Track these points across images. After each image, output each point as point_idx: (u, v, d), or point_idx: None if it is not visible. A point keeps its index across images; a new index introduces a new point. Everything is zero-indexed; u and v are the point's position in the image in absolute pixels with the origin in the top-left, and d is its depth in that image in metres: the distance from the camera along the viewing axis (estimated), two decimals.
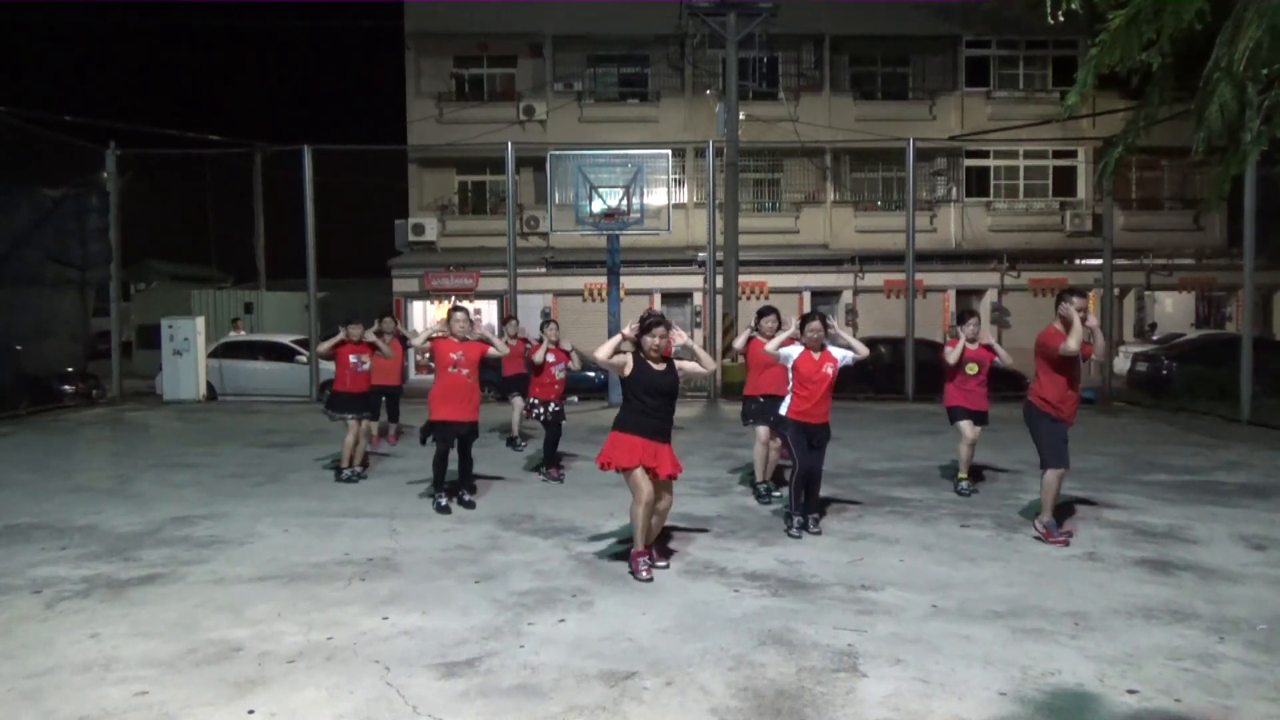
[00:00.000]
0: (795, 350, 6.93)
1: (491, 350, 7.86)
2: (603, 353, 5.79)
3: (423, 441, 7.74)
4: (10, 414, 14.20)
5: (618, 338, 5.90)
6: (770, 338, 7.88)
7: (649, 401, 5.75)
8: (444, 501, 7.57)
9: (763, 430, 7.95)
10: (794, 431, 6.82)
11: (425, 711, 3.82)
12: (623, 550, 6.12)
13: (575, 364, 9.69)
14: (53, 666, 4.31)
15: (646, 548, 5.78)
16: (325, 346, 9.31)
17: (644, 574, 5.62)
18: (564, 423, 9.46)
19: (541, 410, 9.24)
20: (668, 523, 6.32)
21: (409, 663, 4.33)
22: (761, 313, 8.12)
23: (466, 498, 7.79)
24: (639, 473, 5.66)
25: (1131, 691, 4.00)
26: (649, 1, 23.37)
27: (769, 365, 7.73)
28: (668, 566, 5.89)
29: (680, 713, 3.81)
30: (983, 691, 4.00)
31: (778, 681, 4.10)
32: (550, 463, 9.16)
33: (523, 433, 11.12)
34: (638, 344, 5.83)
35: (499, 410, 12.31)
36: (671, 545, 6.37)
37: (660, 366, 5.86)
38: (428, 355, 7.76)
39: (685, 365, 6.05)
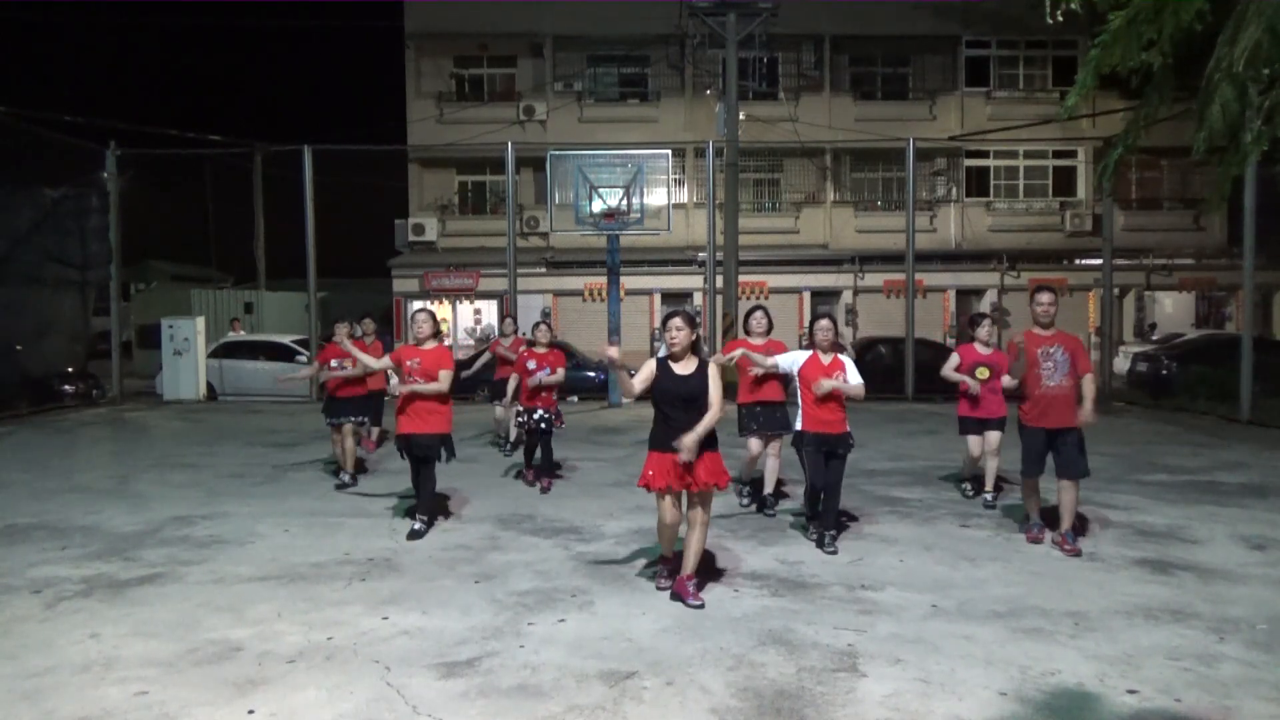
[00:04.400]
0: (801, 355, 6.52)
1: (447, 373, 6.77)
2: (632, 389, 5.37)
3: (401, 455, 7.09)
4: (10, 414, 14.20)
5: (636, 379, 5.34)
6: (760, 334, 7.54)
7: (666, 411, 5.18)
8: (417, 526, 6.74)
9: (754, 443, 7.54)
10: (812, 447, 6.38)
11: (425, 711, 3.82)
12: (628, 555, 6.11)
13: (554, 377, 8.58)
14: (53, 666, 4.30)
15: (669, 558, 5.44)
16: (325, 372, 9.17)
17: (660, 583, 5.40)
18: (553, 430, 8.56)
19: (525, 419, 8.56)
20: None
21: (409, 663, 4.33)
22: (750, 311, 7.73)
23: (416, 526, 6.72)
24: (658, 495, 5.22)
25: (1131, 691, 4.00)
26: (649, 1, 23.37)
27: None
28: (702, 605, 5.09)
29: (680, 713, 3.81)
30: (983, 691, 4.00)
31: (778, 681, 4.10)
32: (529, 467, 8.69)
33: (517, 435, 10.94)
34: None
35: (487, 411, 12.22)
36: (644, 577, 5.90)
37: (683, 370, 5.21)
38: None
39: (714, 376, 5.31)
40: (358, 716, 3.79)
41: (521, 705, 3.87)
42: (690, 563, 5.24)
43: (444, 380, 6.75)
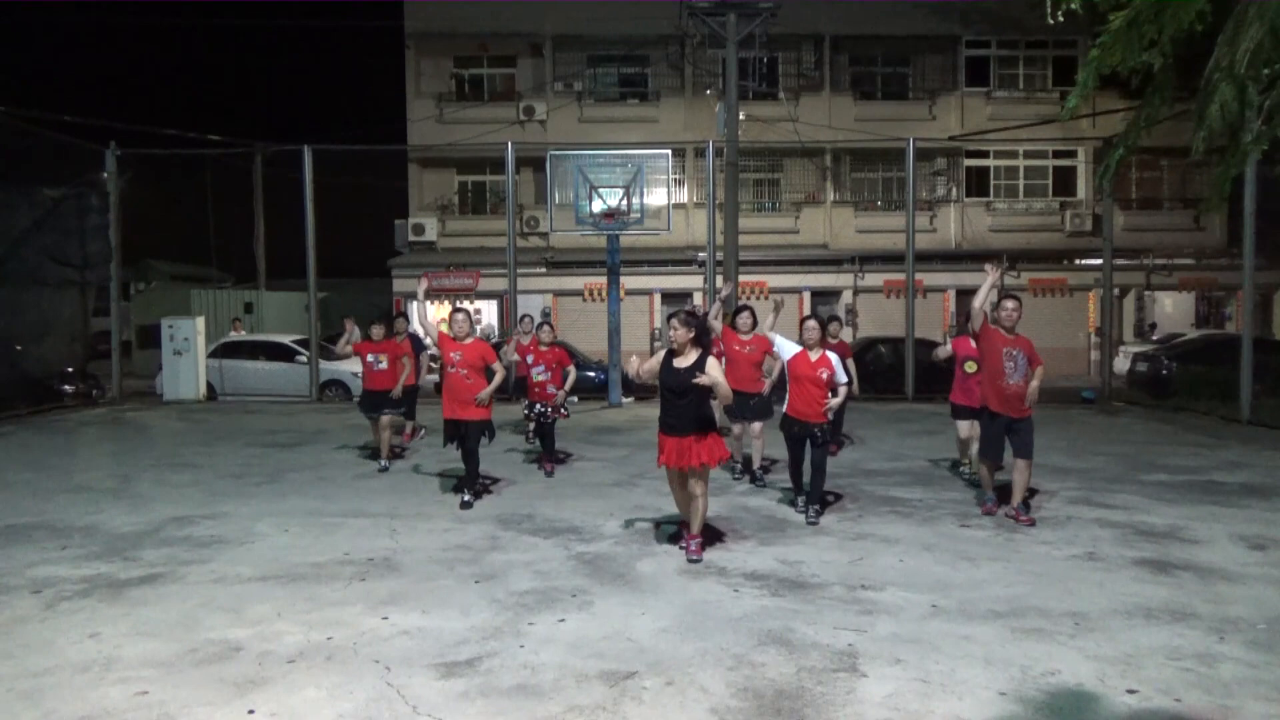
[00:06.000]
0: (793, 348, 7.19)
1: (495, 365, 7.90)
2: (645, 371, 6.20)
3: (444, 441, 8.03)
4: (10, 414, 14.20)
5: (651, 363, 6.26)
6: (747, 331, 8.67)
7: (663, 399, 6.09)
8: (467, 497, 7.76)
9: (737, 426, 8.83)
10: (793, 430, 7.20)
11: (425, 711, 3.82)
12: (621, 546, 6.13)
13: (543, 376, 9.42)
14: (53, 666, 4.31)
15: (694, 533, 6.06)
16: (344, 345, 10.16)
17: (692, 554, 5.97)
18: (555, 423, 9.64)
19: (529, 410, 9.55)
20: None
21: (409, 663, 4.33)
22: (737, 311, 8.82)
23: (465, 498, 7.78)
24: (667, 470, 6.12)
25: (1131, 691, 4.00)
26: (649, 1, 23.37)
27: (738, 363, 8.41)
28: (699, 560, 5.98)
29: (680, 713, 3.81)
30: (983, 691, 4.00)
31: (778, 681, 4.10)
32: (546, 459, 9.49)
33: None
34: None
35: (509, 409, 12.27)
36: (671, 545, 6.38)
37: (681, 364, 5.98)
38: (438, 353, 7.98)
39: (715, 377, 5.87)
40: (358, 716, 3.79)
41: (521, 705, 3.87)
42: (693, 525, 6.10)
43: (499, 371, 7.91)
